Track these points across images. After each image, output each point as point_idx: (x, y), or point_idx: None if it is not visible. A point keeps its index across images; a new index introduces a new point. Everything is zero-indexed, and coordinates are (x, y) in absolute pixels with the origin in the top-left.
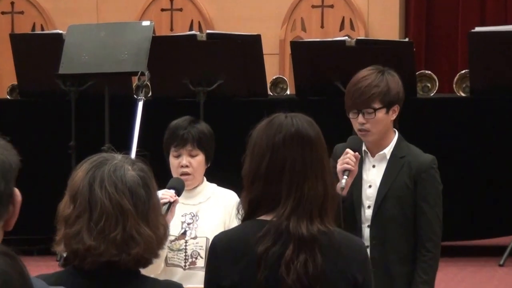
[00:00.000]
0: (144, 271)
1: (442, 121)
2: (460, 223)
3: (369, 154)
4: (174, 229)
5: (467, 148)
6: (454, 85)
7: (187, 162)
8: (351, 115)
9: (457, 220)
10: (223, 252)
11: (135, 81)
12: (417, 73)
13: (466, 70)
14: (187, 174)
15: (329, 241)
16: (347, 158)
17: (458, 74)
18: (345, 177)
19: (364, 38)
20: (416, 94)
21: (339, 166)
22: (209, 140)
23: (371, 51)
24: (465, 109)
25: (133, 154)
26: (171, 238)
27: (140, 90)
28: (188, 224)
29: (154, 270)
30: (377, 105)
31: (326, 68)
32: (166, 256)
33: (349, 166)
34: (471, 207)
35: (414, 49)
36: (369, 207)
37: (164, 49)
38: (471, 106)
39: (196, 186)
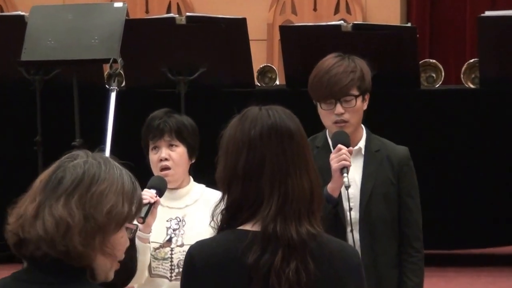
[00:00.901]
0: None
1: (448, 116)
2: (467, 229)
3: None
4: (158, 235)
5: (476, 145)
6: (461, 76)
7: (166, 154)
8: (324, 107)
9: (464, 227)
10: (204, 267)
11: (106, 69)
12: (420, 62)
13: (475, 59)
14: (167, 168)
15: (319, 246)
16: (343, 155)
17: (466, 64)
18: (345, 174)
19: (362, 22)
20: (419, 85)
21: (335, 164)
22: (190, 132)
23: (369, 37)
24: (474, 102)
25: (107, 150)
26: (155, 245)
27: (113, 79)
28: (174, 230)
29: (137, 280)
30: (355, 92)
31: (319, 55)
32: (150, 265)
33: (347, 163)
34: (481, 211)
35: (417, 35)
36: (351, 209)
37: (139, 34)
38: (480, 99)
39: (182, 187)
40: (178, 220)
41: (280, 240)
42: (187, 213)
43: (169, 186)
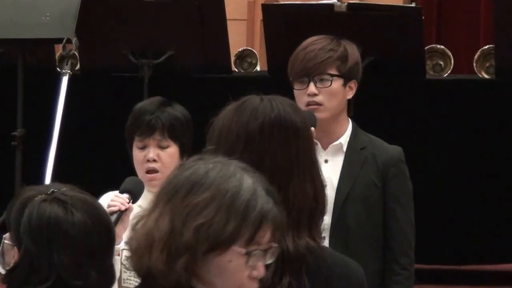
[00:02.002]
0: None
1: (458, 109)
2: (478, 242)
3: (319, 145)
4: None
5: (490, 143)
6: (474, 64)
7: (155, 155)
8: (297, 86)
9: (474, 239)
10: None
11: (58, 50)
12: (426, 48)
13: (491, 45)
14: (154, 171)
15: (318, 261)
16: None
17: (479, 51)
18: None
19: (358, 1)
20: (425, 74)
21: None
22: (184, 128)
23: (367, 19)
24: (488, 94)
25: (54, 143)
26: (128, 254)
27: (65, 61)
28: None
29: None
30: (333, 72)
31: (305, 39)
32: (120, 277)
33: None
34: (494, 221)
35: (423, 17)
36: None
37: (97, 10)
38: (495, 91)
39: None
40: None
41: None
42: None
43: (154, 190)
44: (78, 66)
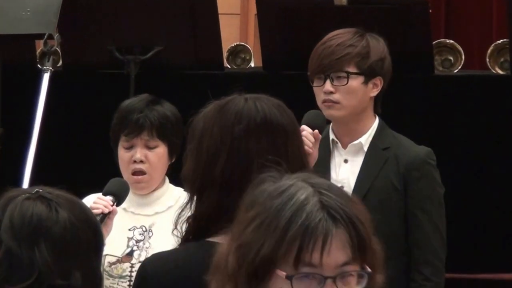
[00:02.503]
0: None
1: (469, 107)
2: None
3: (339, 144)
4: (116, 247)
5: (504, 142)
6: (487, 60)
7: (142, 155)
8: (315, 83)
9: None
10: (159, 286)
11: (39, 46)
12: (434, 42)
13: (505, 40)
14: (141, 172)
15: None
16: (303, 137)
17: (493, 45)
18: None
19: None
20: (433, 70)
21: None
22: (174, 127)
23: (369, 13)
24: (503, 91)
25: (34, 142)
26: (111, 259)
27: (47, 58)
28: (137, 241)
29: None
30: (351, 69)
31: (305, 34)
32: (104, 284)
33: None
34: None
35: (430, 10)
36: None
37: (80, 4)
38: (511, 88)
39: (154, 190)
40: (144, 229)
41: None
42: (155, 222)
43: (141, 193)
44: (60, 63)
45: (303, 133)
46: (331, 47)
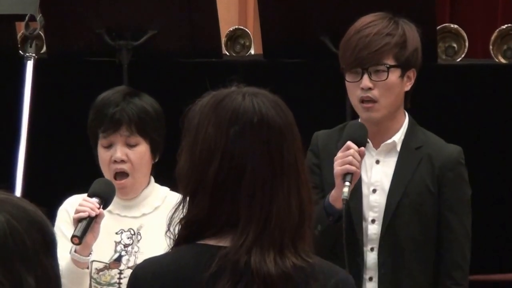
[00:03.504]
0: None
1: (473, 97)
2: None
3: (370, 144)
4: (104, 252)
5: (508, 133)
6: (490, 47)
7: (123, 154)
8: (349, 78)
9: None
10: None
11: (21, 29)
12: (438, 28)
13: (509, 25)
14: (123, 173)
15: (308, 280)
16: (349, 156)
17: (497, 31)
18: (348, 183)
19: None
20: (436, 58)
21: (338, 167)
22: (155, 122)
23: None
24: (506, 80)
25: (23, 136)
26: (98, 266)
27: (29, 43)
28: (125, 246)
29: None
30: (390, 62)
31: (307, 17)
32: None
33: (353, 168)
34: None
35: None
36: (373, 221)
37: None
38: None
39: (140, 191)
40: (132, 233)
41: (255, 276)
42: (143, 224)
43: (125, 197)
44: (44, 49)
45: (351, 151)
46: (368, 37)
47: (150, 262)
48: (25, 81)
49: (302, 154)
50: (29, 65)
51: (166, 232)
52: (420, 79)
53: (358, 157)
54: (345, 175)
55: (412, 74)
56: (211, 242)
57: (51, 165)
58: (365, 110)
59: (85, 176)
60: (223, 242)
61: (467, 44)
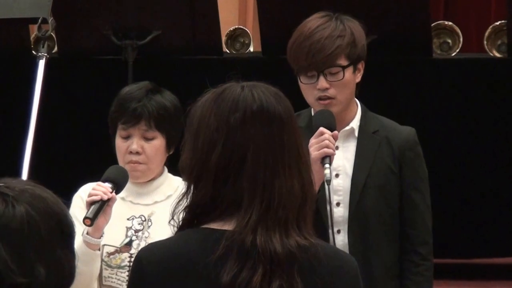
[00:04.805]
0: None
1: (467, 91)
2: (489, 234)
3: None
4: (115, 237)
5: (502, 126)
6: (485, 42)
7: (139, 147)
8: (305, 80)
9: (486, 231)
10: (155, 274)
11: (33, 31)
12: (432, 24)
13: (503, 21)
14: (137, 163)
15: (311, 260)
16: (325, 140)
17: (490, 27)
18: (327, 165)
19: None
20: (431, 53)
21: (315, 152)
22: (173, 118)
23: None
24: (500, 74)
25: (31, 132)
26: (109, 249)
27: (41, 44)
28: (136, 231)
29: None
30: (344, 62)
31: (304, 16)
32: (101, 274)
33: (331, 151)
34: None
35: None
36: (338, 204)
37: None
38: (508, 71)
39: (153, 179)
40: (143, 219)
41: (261, 255)
42: (155, 211)
43: (137, 181)
44: (55, 49)
45: (325, 135)
46: (320, 41)
47: (155, 246)
48: (37, 78)
49: (301, 138)
50: (41, 64)
51: (170, 221)
52: (415, 74)
53: (333, 141)
54: (323, 158)
55: (361, 65)
56: (215, 226)
57: (63, 157)
58: (323, 107)
59: (95, 169)
60: (227, 226)
61: (461, 39)
